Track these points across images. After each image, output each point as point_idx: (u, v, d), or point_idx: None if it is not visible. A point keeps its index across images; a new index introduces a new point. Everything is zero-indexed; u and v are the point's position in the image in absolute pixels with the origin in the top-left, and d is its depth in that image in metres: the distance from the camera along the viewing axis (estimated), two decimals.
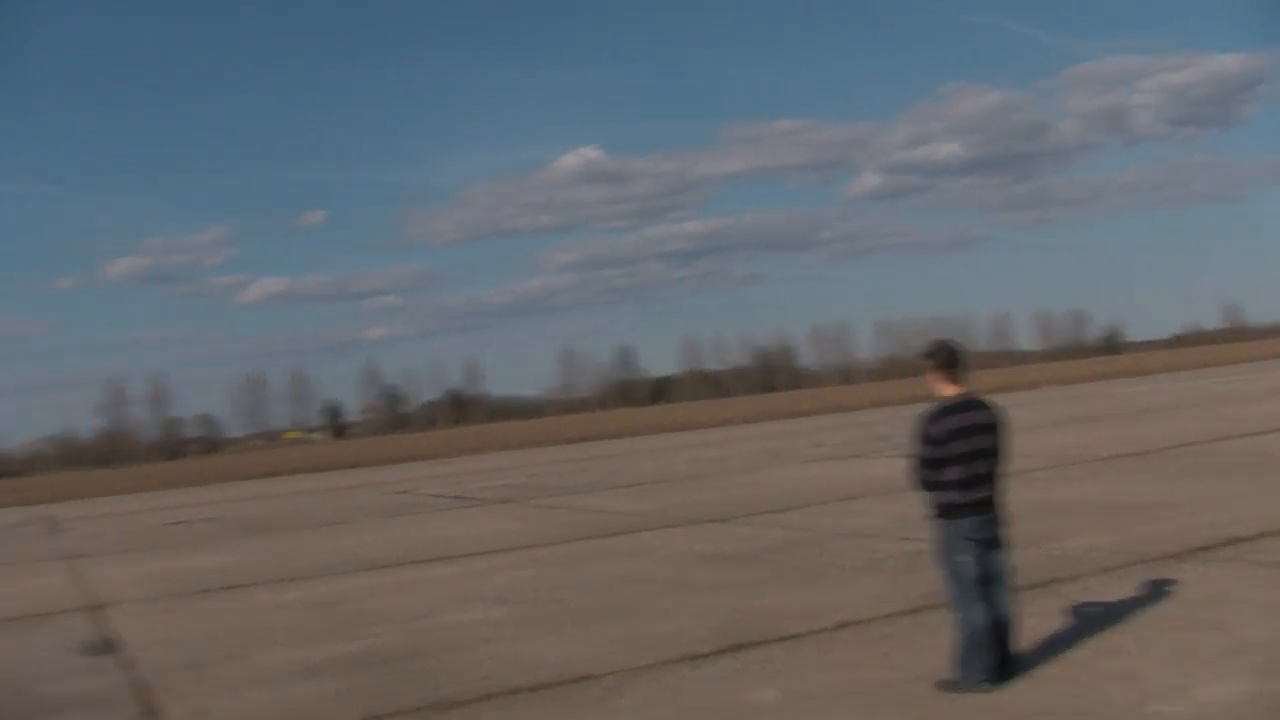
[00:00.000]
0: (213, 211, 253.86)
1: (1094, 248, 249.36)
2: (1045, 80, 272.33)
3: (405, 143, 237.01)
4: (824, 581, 13.04)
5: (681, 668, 9.68)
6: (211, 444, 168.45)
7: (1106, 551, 13.03)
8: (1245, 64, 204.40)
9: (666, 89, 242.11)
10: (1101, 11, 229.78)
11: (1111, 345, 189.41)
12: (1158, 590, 10.67)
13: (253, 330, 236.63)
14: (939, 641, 9.04)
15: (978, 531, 8.24)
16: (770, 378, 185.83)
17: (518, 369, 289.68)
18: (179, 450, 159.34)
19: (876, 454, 29.57)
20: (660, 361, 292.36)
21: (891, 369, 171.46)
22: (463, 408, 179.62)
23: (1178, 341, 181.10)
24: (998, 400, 8.83)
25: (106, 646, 13.35)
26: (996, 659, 8.20)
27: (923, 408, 8.57)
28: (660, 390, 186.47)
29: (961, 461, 8.17)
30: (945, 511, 8.27)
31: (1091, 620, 9.79)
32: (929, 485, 8.29)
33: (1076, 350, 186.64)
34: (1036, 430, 32.23)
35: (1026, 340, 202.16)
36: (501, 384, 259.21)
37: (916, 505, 9.22)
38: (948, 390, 8.41)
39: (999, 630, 8.27)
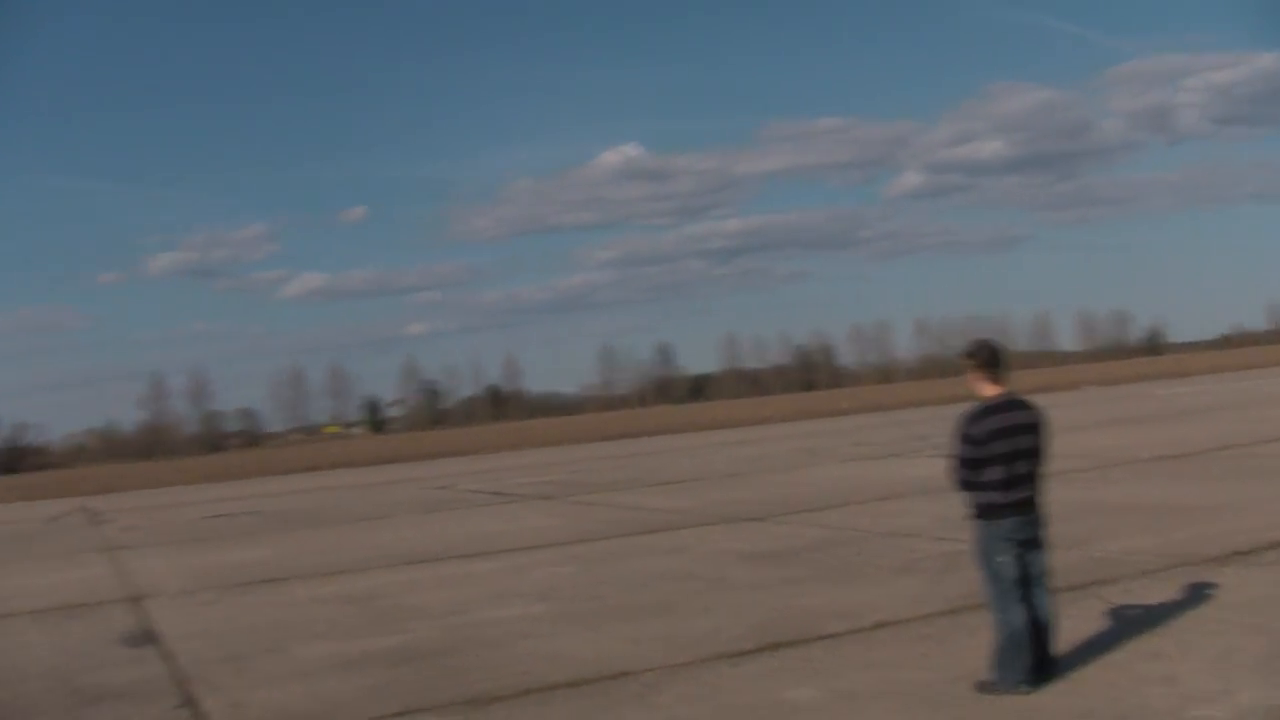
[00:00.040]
0: (255, 207, 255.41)
1: (1137, 247, 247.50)
2: (1089, 78, 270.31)
3: (448, 139, 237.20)
4: (862, 581, 13.01)
5: (720, 665, 9.67)
6: (251, 438, 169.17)
7: (1147, 554, 12.95)
8: None
9: (708, 86, 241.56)
10: (1147, 9, 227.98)
11: (1154, 346, 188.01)
12: (1199, 593, 10.60)
13: (293, 325, 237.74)
14: (977, 642, 9.01)
15: (1018, 532, 8.20)
16: (809, 376, 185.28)
17: (557, 366, 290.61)
18: (219, 444, 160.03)
19: (916, 453, 29.47)
20: (699, 359, 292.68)
21: (931, 368, 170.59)
22: (501, 404, 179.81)
23: (1222, 342, 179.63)
24: (1038, 400, 8.77)
25: (145, 638, 13.44)
26: (1035, 661, 8.16)
27: (963, 407, 8.53)
28: (699, 388, 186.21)
29: (1002, 462, 8.13)
30: (985, 512, 8.24)
31: (1131, 623, 9.73)
32: (969, 485, 8.25)
33: (1118, 351, 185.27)
34: (1077, 431, 32.03)
35: (1068, 340, 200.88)
36: (541, 380, 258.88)
37: (956, 505, 9.18)
38: (989, 390, 8.37)
39: (1038, 632, 8.23)
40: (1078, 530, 14.33)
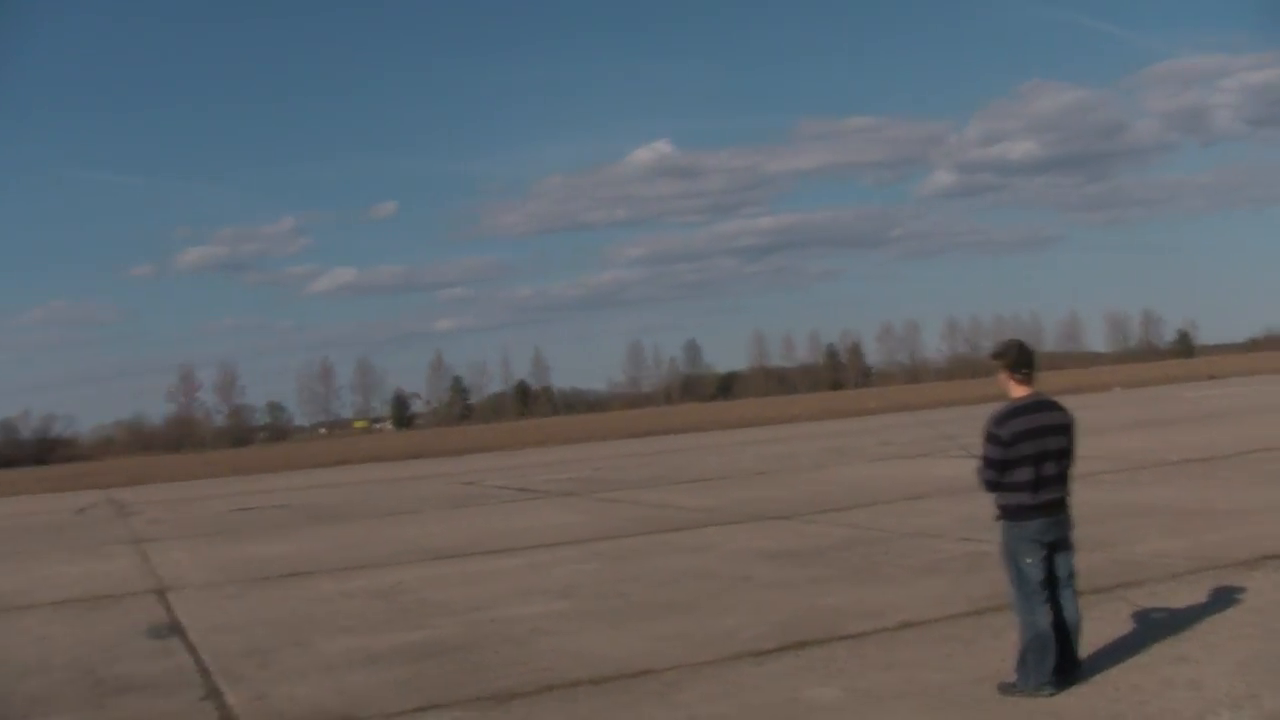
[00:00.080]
0: (286, 202, 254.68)
1: (1168, 249, 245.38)
2: (1123, 78, 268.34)
3: (479, 135, 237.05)
4: (887, 581, 12.97)
5: (742, 664, 9.65)
6: (279, 432, 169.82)
7: (1175, 557, 12.88)
8: None
9: (740, 84, 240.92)
10: (1181, 8, 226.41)
11: (1184, 348, 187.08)
12: (1226, 597, 10.53)
13: (323, 320, 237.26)
14: (1002, 644, 8.98)
15: (1045, 534, 8.16)
16: (838, 375, 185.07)
17: (585, 362, 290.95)
18: (247, 437, 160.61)
19: (943, 454, 29.36)
20: (728, 357, 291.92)
21: (960, 368, 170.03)
22: (529, 400, 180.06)
23: (1252, 345, 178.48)
24: (1067, 402, 8.73)
25: (170, 630, 13.49)
26: (1060, 663, 8.12)
27: (992, 408, 8.49)
28: (727, 386, 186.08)
29: (1030, 463, 8.10)
30: (1013, 513, 8.20)
31: (1157, 626, 9.67)
32: (996, 486, 8.22)
33: (1148, 353, 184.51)
34: (1105, 433, 31.91)
35: (1097, 342, 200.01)
36: (568, 377, 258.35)
37: (982, 506, 9.14)
38: (1018, 391, 8.34)
39: (1063, 634, 8.19)
40: (1104, 532, 14.27)
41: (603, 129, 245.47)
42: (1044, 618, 8.12)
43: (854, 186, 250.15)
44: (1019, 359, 8.41)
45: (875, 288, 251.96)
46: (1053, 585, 8.21)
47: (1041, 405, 8.31)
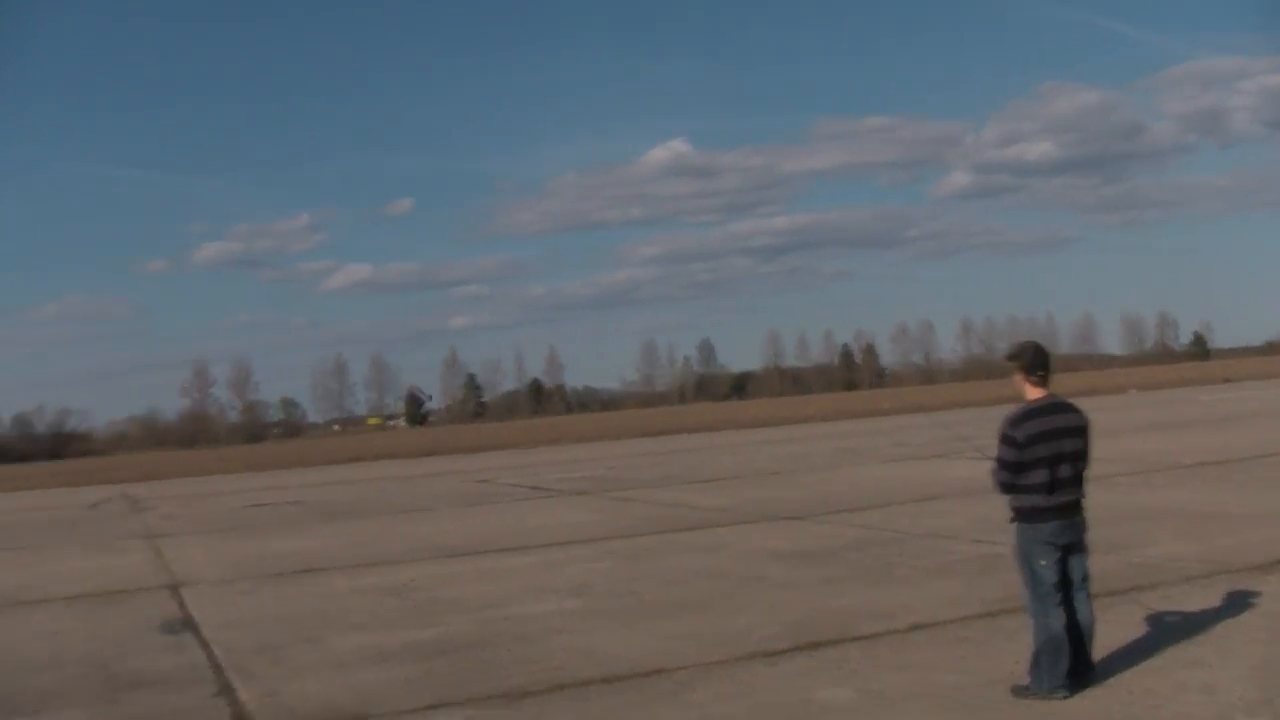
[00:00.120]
0: (301, 198, 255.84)
1: (1185, 251, 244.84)
2: (1140, 80, 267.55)
3: (495, 133, 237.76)
4: (899, 582, 12.95)
5: (755, 664, 9.64)
6: (293, 428, 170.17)
7: (1189, 560, 12.84)
8: None
9: (756, 84, 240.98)
10: (1200, 10, 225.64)
11: (1200, 351, 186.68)
12: (1241, 601, 10.49)
13: (337, 316, 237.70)
14: (1015, 646, 8.95)
15: (1059, 536, 8.14)
16: (852, 376, 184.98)
17: (599, 361, 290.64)
18: (261, 433, 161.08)
19: (957, 455, 29.29)
20: (741, 357, 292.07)
21: (975, 369, 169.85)
22: (543, 398, 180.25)
23: (1268, 348, 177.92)
24: (1081, 404, 8.70)
25: (183, 626, 13.51)
26: (1073, 666, 8.10)
27: (1006, 410, 8.47)
28: (740, 386, 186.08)
29: (1045, 465, 8.08)
30: (1027, 515, 8.18)
31: (1171, 630, 9.64)
32: (1011, 488, 8.20)
33: (1164, 355, 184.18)
34: (1120, 435, 31.84)
35: (1112, 344, 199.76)
36: (582, 375, 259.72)
37: (996, 507, 9.12)
38: (1033, 393, 8.32)
39: (1077, 637, 8.17)
40: (1118, 535, 14.23)
41: (618, 128, 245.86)
42: (1058, 620, 8.09)
43: (870, 187, 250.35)
44: (1035, 361, 8.38)
45: (890, 288, 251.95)
46: (1067, 588, 8.19)
47: (1057, 407, 8.29)
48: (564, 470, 37.05)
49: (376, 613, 13.55)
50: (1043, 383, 8.34)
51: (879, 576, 13.42)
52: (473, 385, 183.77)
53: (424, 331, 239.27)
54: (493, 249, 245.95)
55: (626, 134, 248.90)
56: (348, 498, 32.51)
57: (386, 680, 10.11)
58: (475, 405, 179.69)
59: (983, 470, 8.81)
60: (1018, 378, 8.42)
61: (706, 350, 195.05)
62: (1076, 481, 8.26)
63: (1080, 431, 8.29)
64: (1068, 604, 8.17)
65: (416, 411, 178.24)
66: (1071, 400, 8.49)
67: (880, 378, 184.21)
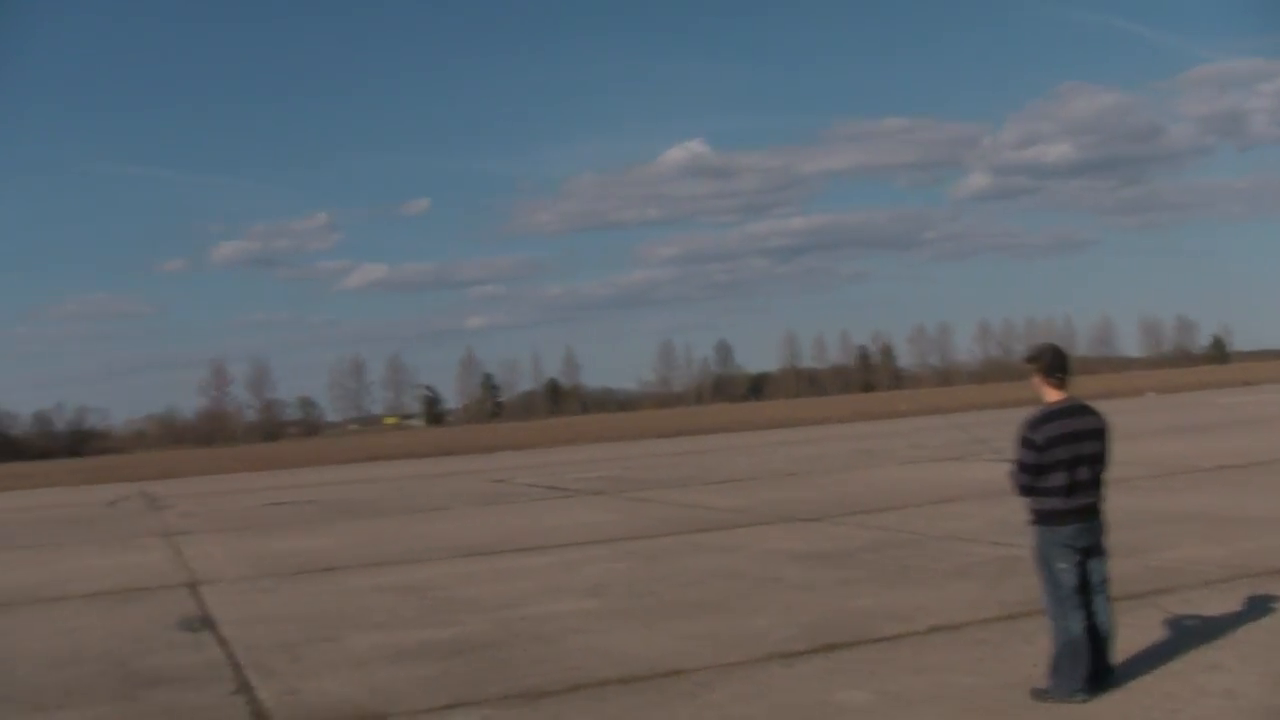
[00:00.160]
0: (319, 198, 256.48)
1: (1204, 254, 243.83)
2: (1159, 82, 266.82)
3: (512, 133, 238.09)
4: (917, 584, 12.93)
5: (772, 665, 9.63)
6: (310, 427, 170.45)
7: (1208, 564, 12.79)
8: None
9: (774, 84, 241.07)
10: (1219, 12, 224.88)
11: (1218, 354, 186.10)
12: (1261, 606, 10.44)
13: (354, 316, 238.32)
14: (1034, 649, 8.94)
15: (1078, 539, 8.12)
16: (869, 377, 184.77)
17: (616, 361, 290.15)
18: (278, 432, 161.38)
19: (975, 457, 29.24)
20: (758, 358, 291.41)
21: (992, 372, 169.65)
22: (560, 399, 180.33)
23: None
24: (1100, 407, 8.68)
25: (202, 624, 13.54)
26: (1092, 669, 8.07)
27: (1025, 412, 8.46)
28: (757, 387, 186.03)
29: (1064, 468, 8.05)
30: (1046, 518, 8.16)
31: (1190, 634, 9.61)
32: (1030, 491, 8.18)
33: (1182, 358, 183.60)
34: (1139, 438, 31.73)
35: (1131, 346, 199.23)
36: (599, 376, 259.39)
37: (1014, 510, 9.11)
38: (1052, 395, 8.30)
39: (1096, 640, 8.14)
40: (1137, 538, 14.19)
41: (636, 128, 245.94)
42: (1077, 623, 8.08)
43: (887, 188, 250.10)
44: (1054, 363, 8.37)
45: (908, 289, 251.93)
46: (1086, 591, 8.17)
47: (1076, 410, 8.27)
48: (581, 470, 37.06)
49: (394, 611, 13.57)
50: (1062, 385, 8.32)
51: (896, 578, 13.40)
52: (489, 385, 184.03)
53: (441, 331, 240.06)
54: (510, 249, 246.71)
55: (644, 134, 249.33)
56: (365, 497, 32.55)
57: (404, 679, 10.13)
58: (492, 405, 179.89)
59: (1000, 472, 8.79)
60: (1037, 380, 8.40)
61: (723, 351, 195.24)
62: (1095, 484, 8.24)
63: (1099, 434, 8.28)
64: (1088, 607, 8.14)
65: (433, 411, 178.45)
66: (1091, 403, 8.47)
67: (897, 379, 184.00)
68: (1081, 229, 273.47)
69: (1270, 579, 11.64)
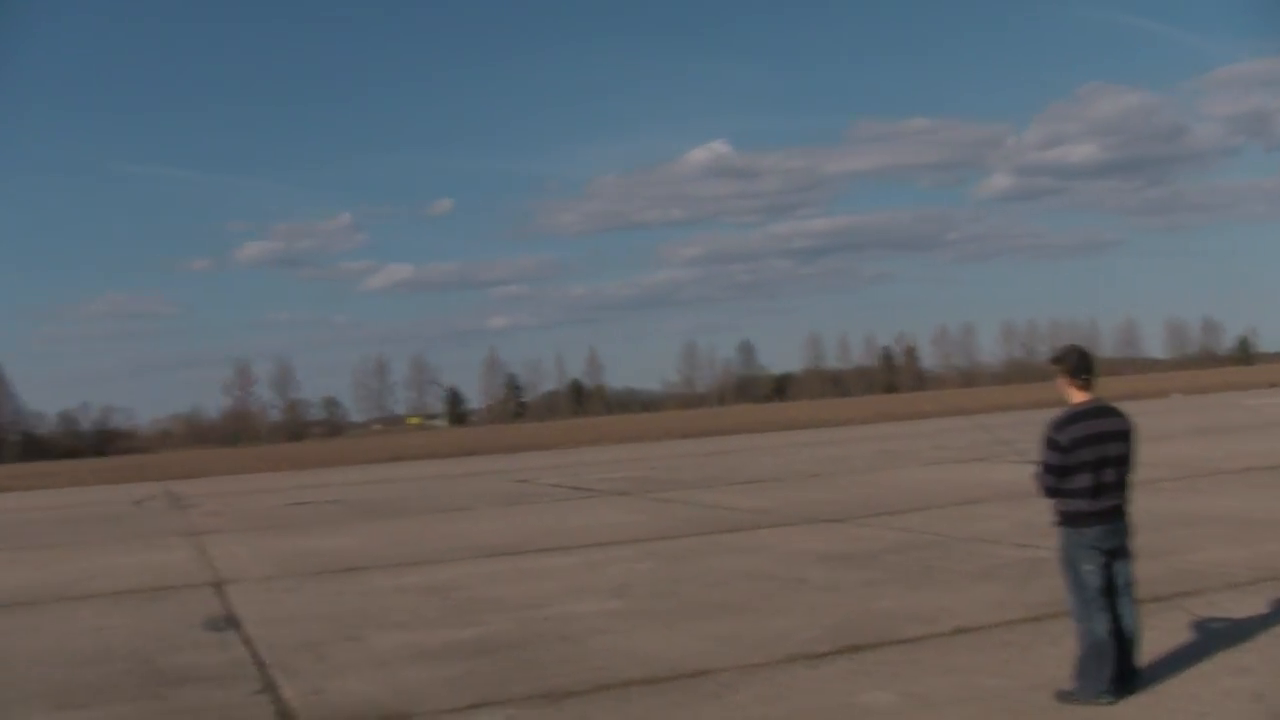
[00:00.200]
0: (343, 198, 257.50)
1: (1229, 255, 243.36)
2: (1185, 82, 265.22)
3: (536, 133, 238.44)
4: (942, 586, 12.90)
5: (796, 667, 9.62)
6: (334, 427, 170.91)
7: (1235, 567, 12.75)
8: None
9: (797, 85, 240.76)
10: (1245, 11, 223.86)
11: (1244, 355, 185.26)
12: None
13: (378, 316, 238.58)
14: (1060, 651, 8.91)
15: (1104, 541, 8.09)
16: (892, 378, 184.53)
17: (639, 362, 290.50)
18: (302, 432, 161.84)
19: (999, 459, 29.17)
20: (782, 358, 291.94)
21: (1016, 373, 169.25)
22: (583, 399, 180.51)
23: None
24: (1124, 408, 8.65)
25: (227, 623, 13.59)
26: (1118, 671, 8.04)
27: (1049, 413, 8.44)
28: (781, 387, 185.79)
29: (1089, 469, 8.03)
30: (1071, 519, 8.14)
31: (1217, 637, 9.57)
32: (1055, 492, 8.16)
33: (1207, 359, 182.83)
34: (1164, 440, 31.63)
35: (1156, 348, 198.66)
36: (622, 376, 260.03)
37: (1039, 511, 9.09)
38: (1077, 396, 8.28)
39: (1122, 642, 8.12)
40: (1163, 540, 14.14)
41: (659, 129, 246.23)
42: (1102, 625, 8.05)
43: (910, 189, 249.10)
44: (1079, 364, 8.35)
45: (931, 290, 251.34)
46: (1112, 593, 8.15)
47: (1101, 411, 8.25)
48: (605, 471, 37.06)
49: (418, 611, 13.60)
50: (1087, 386, 8.30)
51: (920, 580, 13.38)
52: (513, 385, 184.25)
53: (464, 331, 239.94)
54: (533, 249, 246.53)
55: (667, 135, 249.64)
56: (389, 496, 32.61)
57: (428, 679, 10.15)
58: (515, 405, 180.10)
59: (1025, 474, 8.77)
60: (1061, 381, 8.38)
61: (747, 352, 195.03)
62: (1121, 486, 8.21)
63: (1124, 436, 8.25)
64: (1113, 609, 8.12)
65: (457, 411, 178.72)
66: (1116, 404, 8.44)
67: (921, 380, 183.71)
68: (1106, 230, 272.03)
69: None
